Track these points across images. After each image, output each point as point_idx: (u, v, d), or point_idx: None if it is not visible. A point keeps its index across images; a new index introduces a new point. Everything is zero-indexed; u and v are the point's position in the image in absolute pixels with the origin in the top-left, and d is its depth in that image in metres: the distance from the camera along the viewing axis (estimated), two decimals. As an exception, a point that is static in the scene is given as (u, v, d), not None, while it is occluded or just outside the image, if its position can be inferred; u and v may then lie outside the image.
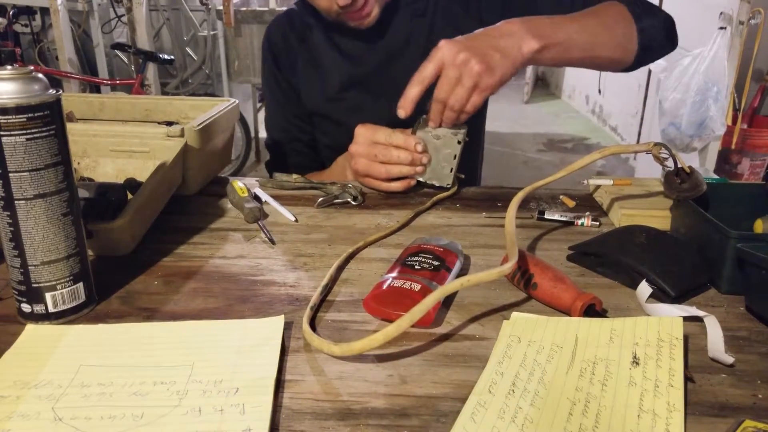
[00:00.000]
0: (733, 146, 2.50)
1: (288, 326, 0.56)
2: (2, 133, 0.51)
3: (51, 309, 0.56)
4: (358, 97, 1.06)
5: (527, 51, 0.81)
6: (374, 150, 0.87)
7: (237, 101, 0.96)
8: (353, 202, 0.87)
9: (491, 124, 1.55)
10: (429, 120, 0.86)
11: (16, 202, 0.53)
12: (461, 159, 0.89)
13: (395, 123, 0.87)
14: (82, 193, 0.71)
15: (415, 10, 1.04)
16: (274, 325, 0.56)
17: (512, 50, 0.80)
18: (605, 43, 0.87)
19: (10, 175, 0.52)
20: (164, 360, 0.51)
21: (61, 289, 0.56)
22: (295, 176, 0.93)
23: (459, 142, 0.87)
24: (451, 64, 0.79)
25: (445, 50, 0.79)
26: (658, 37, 0.96)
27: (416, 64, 1.03)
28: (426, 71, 0.80)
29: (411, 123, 0.88)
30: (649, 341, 0.51)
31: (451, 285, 0.54)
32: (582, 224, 0.80)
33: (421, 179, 0.89)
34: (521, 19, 0.83)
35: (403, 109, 0.82)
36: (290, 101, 1.12)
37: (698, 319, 0.56)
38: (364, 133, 0.88)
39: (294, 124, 1.13)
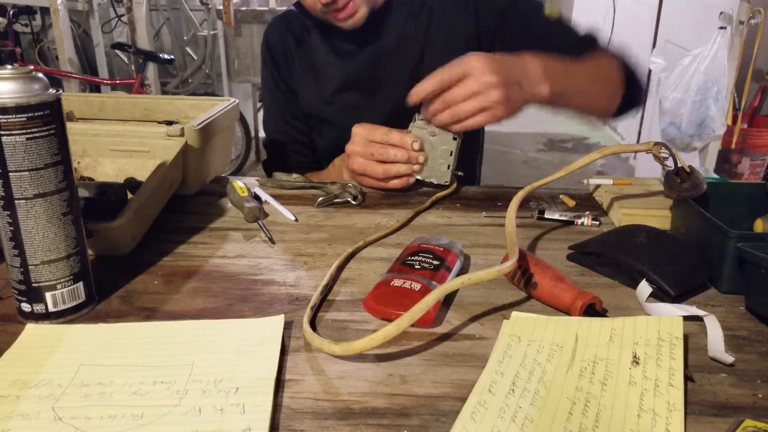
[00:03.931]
0: (733, 146, 2.50)
1: (288, 326, 0.56)
2: (2, 132, 0.51)
3: (51, 308, 0.56)
4: (352, 98, 1.06)
5: (537, 95, 0.81)
6: (371, 149, 0.87)
7: (237, 101, 0.96)
8: (353, 202, 0.87)
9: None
10: (424, 116, 0.86)
11: (16, 201, 0.53)
12: (459, 156, 0.89)
13: (390, 123, 0.87)
14: (82, 193, 0.71)
15: (410, 10, 1.04)
16: (274, 324, 0.56)
17: (528, 90, 0.81)
18: (598, 101, 0.89)
19: (10, 174, 0.52)
20: (164, 360, 0.51)
21: (61, 288, 0.56)
22: (295, 176, 0.93)
23: (455, 139, 0.87)
24: (477, 79, 0.77)
25: (476, 62, 0.78)
26: (637, 101, 0.98)
27: (408, 64, 1.03)
28: (449, 73, 0.79)
29: (407, 124, 0.88)
30: (649, 341, 0.51)
31: (451, 284, 0.54)
32: (582, 224, 0.80)
33: (419, 177, 0.89)
34: (542, 60, 0.83)
35: (415, 95, 0.80)
36: (289, 103, 1.12)
37: (698, 319, 0.56)
38: (360, 132, 0.88)
39: (293, 126, 1.13)
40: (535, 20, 1.01)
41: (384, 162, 0.87)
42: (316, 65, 1.08)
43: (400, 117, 0.89)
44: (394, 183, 0.89)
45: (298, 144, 1.14)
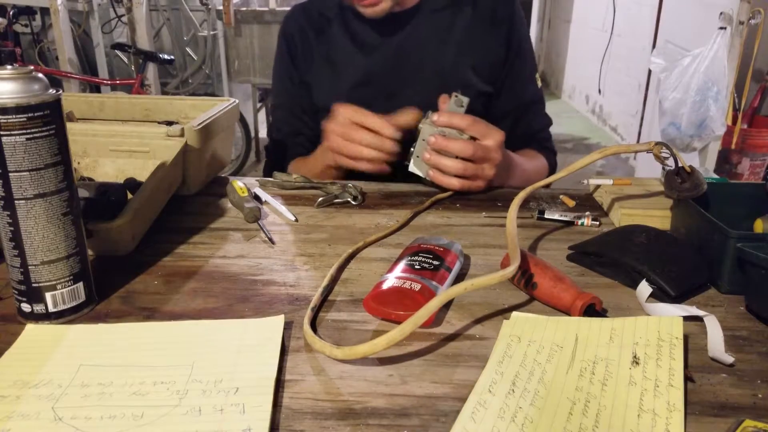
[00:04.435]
0: (733, 146, 2.49)
1: (288, 326, 0.56)
2: (2, 132, 0.51)
3: (51, 309, 0.56)
4: (369, 94, 1.06)
5: (500, 184, 0.94)
6: (347, 129, 0.89)
7: (237, 101, 0.96)
8: (353, 202, 0.87)
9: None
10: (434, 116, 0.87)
11: (16, 201, 0.53)
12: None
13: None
14: (82, 193, 0.71)
15: (436, 14, 1.05)
16: (274, 324, 0.56)
17: (501, 179, 0.94)
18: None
19: (10, 174, 0.52)
20: (164, 360, 0.51)
21: (61, 288, 0.56)
22: (295, 176, 0.93)
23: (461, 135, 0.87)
24: (485, 148, 0.86)
25: (499, 136, 0.87)
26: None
27: (428, 66, 1.04)
28: (478, 128, 0.86)
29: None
30: (649, 341, 0.51)
31: (454, 289, 0.54)
32: (582, 224, 0.80)
33: (419, 174, 0.89)
34: (517, 165, 0.98)
35: (446, 120, 0.86)
36: (301, 96, 1.12)
37: (698, 319, 0.57)
38: (343, 111, 0.90)
39: (300, 119, 1.14)
40: (530, 83, 1.12)
41: (358, 144, 0.88)
42: (334, 58, 1.08)
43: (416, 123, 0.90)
44: (365, 166, 0.90)
45: (302, 136, 1.15)
